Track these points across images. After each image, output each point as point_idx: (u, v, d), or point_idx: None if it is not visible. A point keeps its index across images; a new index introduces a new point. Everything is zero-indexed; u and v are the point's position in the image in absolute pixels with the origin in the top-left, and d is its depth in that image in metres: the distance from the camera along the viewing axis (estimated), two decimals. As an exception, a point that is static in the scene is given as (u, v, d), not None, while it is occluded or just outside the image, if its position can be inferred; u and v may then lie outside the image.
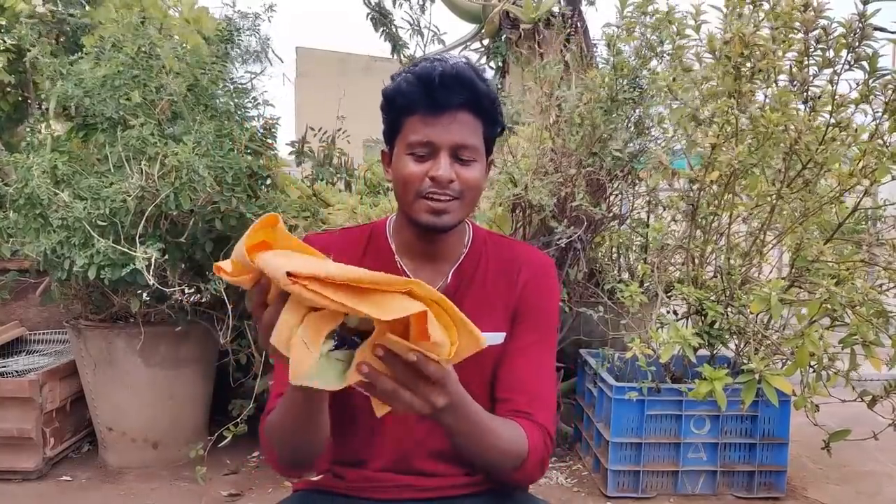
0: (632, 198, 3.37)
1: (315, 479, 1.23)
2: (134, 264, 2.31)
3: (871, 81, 2.34)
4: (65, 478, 2.78)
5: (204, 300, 2.87)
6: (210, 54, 2.81)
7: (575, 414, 3.16)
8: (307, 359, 0.73)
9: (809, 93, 2.50)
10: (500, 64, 4.72)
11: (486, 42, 4.90)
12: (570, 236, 2.80)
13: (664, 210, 3.17)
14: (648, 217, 3.39)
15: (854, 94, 2.41)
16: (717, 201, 2.77)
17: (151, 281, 2.31)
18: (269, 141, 2.85)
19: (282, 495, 1.25)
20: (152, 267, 2.30)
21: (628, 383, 2.61)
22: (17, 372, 2.87)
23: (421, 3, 4.78)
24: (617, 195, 3.22)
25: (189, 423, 2.95)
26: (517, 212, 3.05)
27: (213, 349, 2.98)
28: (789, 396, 2.49)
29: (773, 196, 2.62)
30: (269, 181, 2.86)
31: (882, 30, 2.32)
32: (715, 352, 2.73)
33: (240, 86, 2.93)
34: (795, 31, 2.44)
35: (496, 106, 1.11)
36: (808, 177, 2.56)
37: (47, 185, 2.38)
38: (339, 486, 1.17)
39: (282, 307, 0.75)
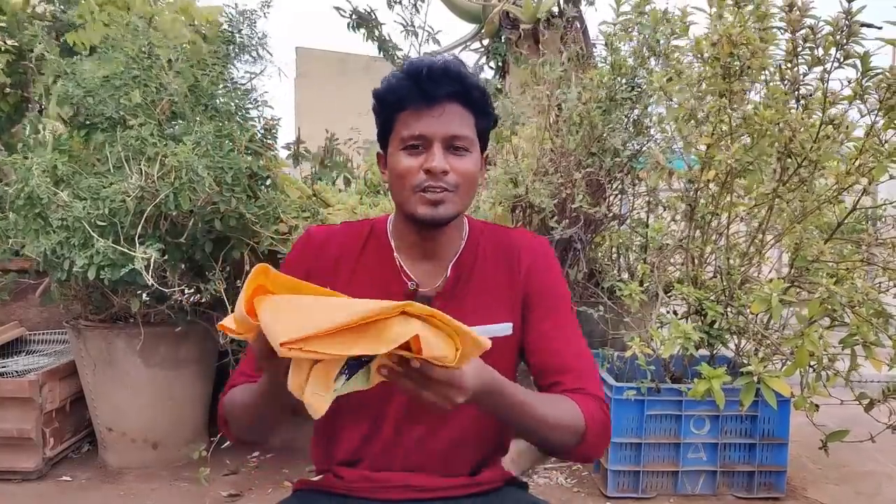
0: (631, 198, 3.37)
1: (315, 479, 1.23)
2: (133, 264, 2.31)
3: (864, 81, 2.34)
4: (65, 478, 2.78)
5: (204, 300, 2.87)
6: (209, 51, 2.81)
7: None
8: (323, 403, 0.81)
9: (801, 91, 2.51)
10: (500, 64, 4.72)
11: (485, 42, 4.91)
12: (570, 236, 2.80)
13: (664, 210, 3.17)
14: (648, 217, 3.39)
15: (847, 91, 2.41)
16: (714, 201, 2.77)
17: (151, 281, 2.31)
18: (269, 141, 2.84)
19: (282, 495, 1.25)
20: (152, 268, 2.30)
21: (628, 383, 2.61)
22: (17, 372, 2.87)
23: (414, 2, 4.75)
24: (617, 195, 3.22)
25: (189, 424, 2.95)
26: (517, 212, 3.05)
27: (213, 349, 2.98)
28: (788, 397, 2.49)
29: (771, 195, 2.62)
30: (268, 181, 2.86)
31: (869, 26, 2.32)
32: (715, 352, 2.73)
33: (240, 85, 2.93)
34: (783, 31, 2.44)
35: (486, 97, 1.12)
36: (804, 175, 2.56)
37: (47, 184, 2.38)
38: (339, 486, 1.17)
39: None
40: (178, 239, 2.55)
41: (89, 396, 2.88)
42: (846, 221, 2.62)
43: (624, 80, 2.90)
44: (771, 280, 2.51)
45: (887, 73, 2.31)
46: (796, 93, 2.51)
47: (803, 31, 2.38)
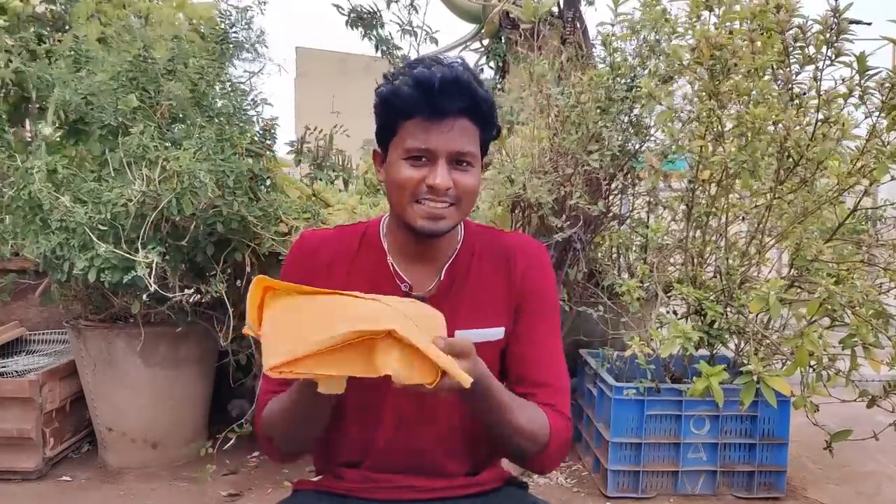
0: (631, 198, 3.37)
1: (315, 479, 1.23)
2: (136, 271, 2.31)
3: (863, 81, 2.34)
4: (64, 478, 2.78)
5: (204, 301, 2.87)
6: (203, 48, 2.80)
7: (575, 414, 3.16)
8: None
9: (794, 90, 2.51)
10: (500, 64, 4.72)
11: (485, 42, 4.91)
12: (570, 235, 2.80)
13: (664, 210, 3.17)
14: (648, 217, 3.39)
15: (842, 89, 2.41)
16: (713, 201, 2.77)
17: (153, 287, 2.31)
18: (269, 142, 2.84)
19: (281, 495, 1.25)
20: (153, 272, 2.30)
21: (628, 383, 2.61)
22: (17, 372, 2.87)
23: (411, 2, 4.74)
24: (616, 195, 3.22)
25: (189, 424, 2.95)
26: (517, 211, 3.05)
27: (213, 349, 2.98)
28: (788, 397, 2.49)
29: (769, 194, 2.62)
30: (269, 182, 2.85)
31: (859, 22, 2.32)
32: (715, 352, 2.73)
33: (238, 84, 2.92)
34: (772, 32, 2.45)
35: (493, 110, 1.11)
36: (803, 175, 2.57)
37: (49, 189, 2.37)
38: (339, 486, 1.17)
39: None
40: (180, 242, 2.54)
41: (89, 396, 2.88)
42: (847, 222, 2.62)
43: (623, 81, 2.90)
44: (768, 280, 2.51)
45: (891, 73, 2.31)
46: (790, 92, 2.51)
47: (793, 31, 2.38)
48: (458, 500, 1.16)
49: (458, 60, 1.09)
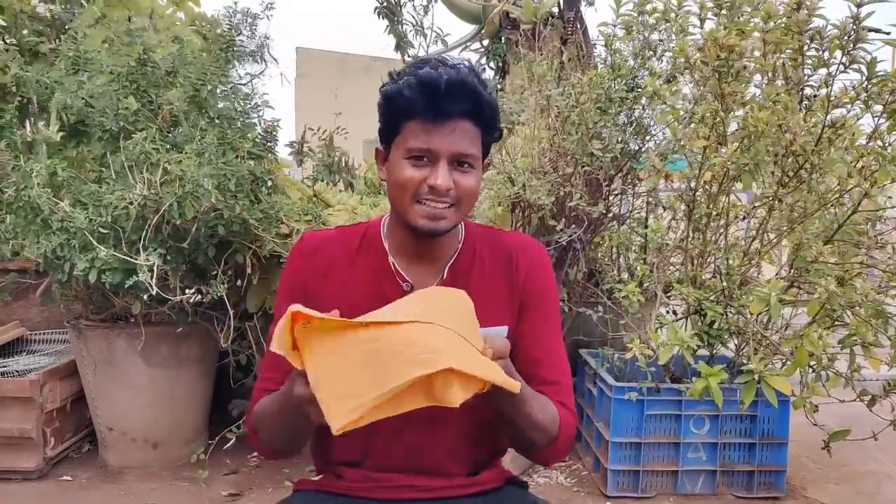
0: (631, 198, 3.37)
1: (315, 479, 1.23)
2: (137, 275, 2.31)
3: (869, 87, 2.34)
4: (65, 477, 2.78)
5: (205, 301, 2.87)
6: (204, 48, 2.79)
7: (576, 412, 3.15)
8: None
9: (804, 93, 2.51)
10: (500, 64, 4.73)
11: (486, 42, 4.92)
12: (571, 236, 2.80)
13: (664, 210, 3.17)
14: (648, 217, 3.39)
15: (851, 93, 2.41)
16: (713, 202, 2.77)
17: (154, 290, 2.31)
18: (270, 144, 2.84)
19: (282, 495, 1.25)
20: (154, 275, 2.30)
21: (628, 383, 2.61)
22: (17, 372, 2.87)
23: (424, 3, 4.79)
24: (616, 195, 3.22)
25: (189, 424, 2.96)
26: (517, 211, 3.05)
27: (214, 349, 2.98)
28: (788, 397, 2.50)
29: (771, 197, 2.62)
30: (270, 184, 2.85)
31: (877, 30, 2.33)
32: (714, 352, 2.74)
33: (240, 86, 2.92)
34: (789, 32, 2.44)
35: (496, 113, 1.11)
36: (805, 177, 2.57)
37: (48, 194, 2.37)
38: (339, 486, 1.18)
39: None
40: (181, 244, 2.55)
41: (90, 396, 2.88)
42: (848, 223, 2.62)
43: (623, 81, 2.90)
44: (769, 280, 2.52)
45: (892, 78, 2.31)
46: (800, 93, 2.51)
47: (810, 32, 2.38)
48: (458, 500, 1.16)
49: (464, 62, 1.09)
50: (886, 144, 2.46)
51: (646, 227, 3.24)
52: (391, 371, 0.84)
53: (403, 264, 1.17)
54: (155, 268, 2.31)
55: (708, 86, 2.59)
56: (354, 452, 1.17)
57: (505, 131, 3.10)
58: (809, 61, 2.45)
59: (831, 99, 2.41)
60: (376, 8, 4.88)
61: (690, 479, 2.65)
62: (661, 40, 2.87)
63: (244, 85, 2.96)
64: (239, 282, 2.80)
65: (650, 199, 3.29)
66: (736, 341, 2.77)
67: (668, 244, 2.91)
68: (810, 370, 2.55)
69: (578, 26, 4.23)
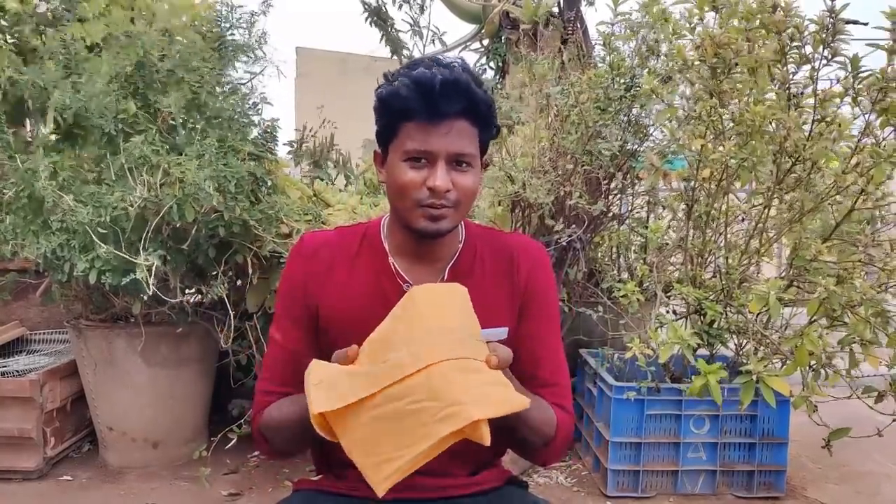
0: (631, 198, 3.37)
1: (315, 479, 1.23)
2: (135, 274, 2.31)
3: (856, 84, 2.35)
4: (65, 477, 2.78)
5: (205, 301, 2.87)
6: (203, 48, 2.78)
7: (574, 413, 3.15)
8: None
9: (791, 90, 2.51)
10: (500, 64, 4.73)
11: (485, 42, 4.92)
12: (571, 235, 2.80)
13: (663, 210, 3.17)
14: (648, 217, 3.40)
15: (838, 88, 2.41)
16: (712, 200, 2.77)
17: (152, 290, 2.31)
18: (270, 144, 2.84)
19: (282, 495, 1.25)
20: (153, 275, 2.30)
21: (628, 383, 2.61)
22: (17, 372, 2.87)
23: (420, 3, 4.78)
24: (616, 194, 3.22)
25: (189, 423, 2.96)
26: (517, 211, 3.05)
27: (214, 349, 2.98)
28: (787, 397, 2.49)
29: (767, 194, 2.62)
30: (269, 184, 2.85)
31: (855, 22, 2.33)
32: (714, 351, 2.74)
33: (239, 86, 2.92)
34: (769, 32, 2.45)
35: (492, 111, 1.11)
36: (800, 174, 2.57)
37: (53, 188, 2.37)
38: (339, 486, 1.18)
39: None
40: (181, 245, 2.54)
41: (90, 396, 2.88)
42: (846, 222, 2.62)
43: (622, 80, 2.90)
44: (768, 279, 2.52)
45: (878, 76, 2.31)
46: (787, 92, 2.51)
47: (789, 31, 2.39)
48: (459, 500, 1.16)
49: (458, 61, 1.09)
50: (881, 140, 2.45)
51: (646, 226, 3.24)
52: (418, 433, 0.87)
53: (404, 265, 1.17)
54: (154, 268, 2.31)
55: (704, 83, 2.59)
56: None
57: (505, 130, 3.10)
58: (791, 59, 2.46)
59: (818, 93, 2.42)
60: (366, 18, 4.82)
61: (690, 479, 2.65)
62: (656, 41, 2.87)
63: (243, 84, 2.96)
64: (239, 282, 2.80)
65: (650, 198, 3.29)
66: (736, 341, 2.77)
67: (667, 244, 2.91)
68: (810, 369, 2.55)
69: (578, 26, 4.23)
